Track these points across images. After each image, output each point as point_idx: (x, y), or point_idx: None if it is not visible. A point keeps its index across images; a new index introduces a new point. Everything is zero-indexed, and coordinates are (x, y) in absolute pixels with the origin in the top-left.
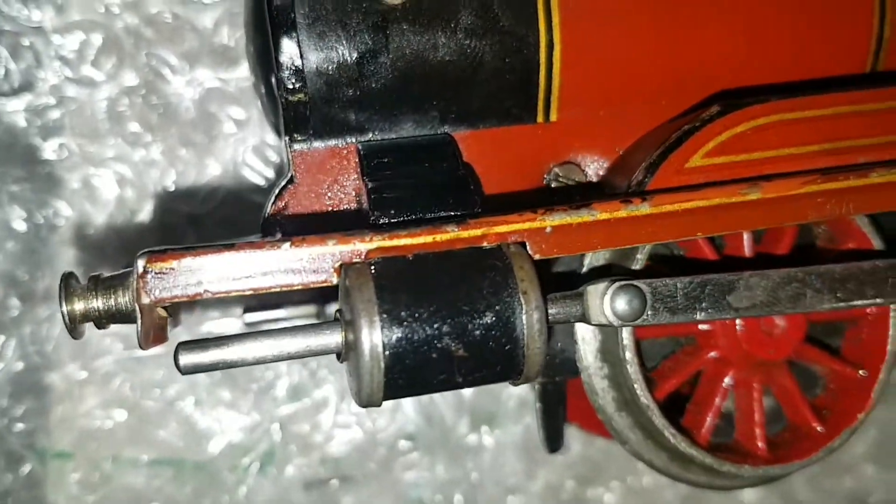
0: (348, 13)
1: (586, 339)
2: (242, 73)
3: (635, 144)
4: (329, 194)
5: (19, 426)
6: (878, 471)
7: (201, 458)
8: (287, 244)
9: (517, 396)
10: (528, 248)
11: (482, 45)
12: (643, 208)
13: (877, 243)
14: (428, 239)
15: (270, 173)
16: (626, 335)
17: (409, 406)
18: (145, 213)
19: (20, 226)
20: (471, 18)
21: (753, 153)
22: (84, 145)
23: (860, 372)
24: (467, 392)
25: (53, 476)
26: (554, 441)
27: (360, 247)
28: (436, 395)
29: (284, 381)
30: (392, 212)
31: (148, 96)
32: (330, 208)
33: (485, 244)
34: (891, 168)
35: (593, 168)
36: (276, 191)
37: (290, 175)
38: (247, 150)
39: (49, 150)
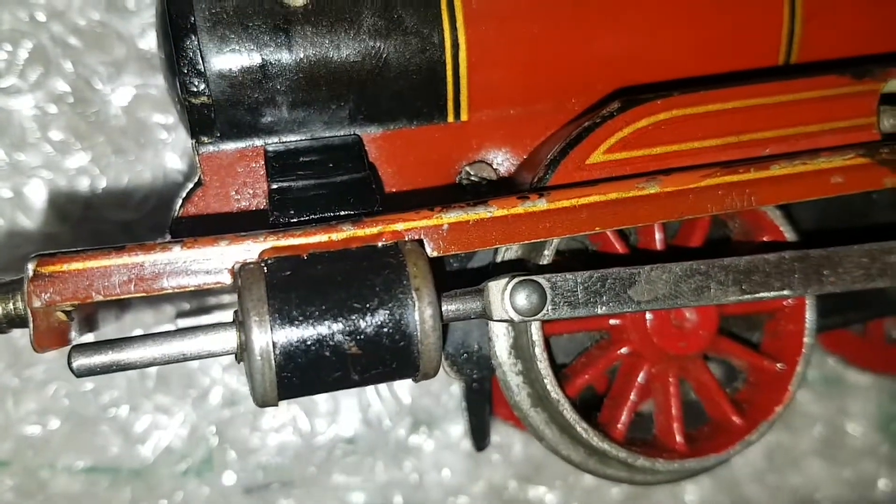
0: (249, 15)
1: (499, 336)
2: None
3: (543, 142)
4: (238, 196)
5: None
6: (825, 466)
7: (138, 465)
8: (178, 246)
9: (457, 397)
10: (425, 245)
11: (387, 45)
12: (540, 204)
13: (790, 236)
14: (323, 238)
15: None
16: (534, 331)
17: (347, 409)
18: (77, 221)
19: None
20: (374, 19)
21: (655, 148)
22: (13, 154)
23: (778, 365)
24: (406, 394)
25: None
26: (480, 439)
27: (253, 247)
28: (374, 398)
29: (220, 388)
30: (292, 212)
31: (76, 104)
32: (239, 210)
33: (381, 242)
34: (793, 160)
35: (505, 166)
36: (184, 194)
37: (198, 178)
38: (177, 155)
39: None
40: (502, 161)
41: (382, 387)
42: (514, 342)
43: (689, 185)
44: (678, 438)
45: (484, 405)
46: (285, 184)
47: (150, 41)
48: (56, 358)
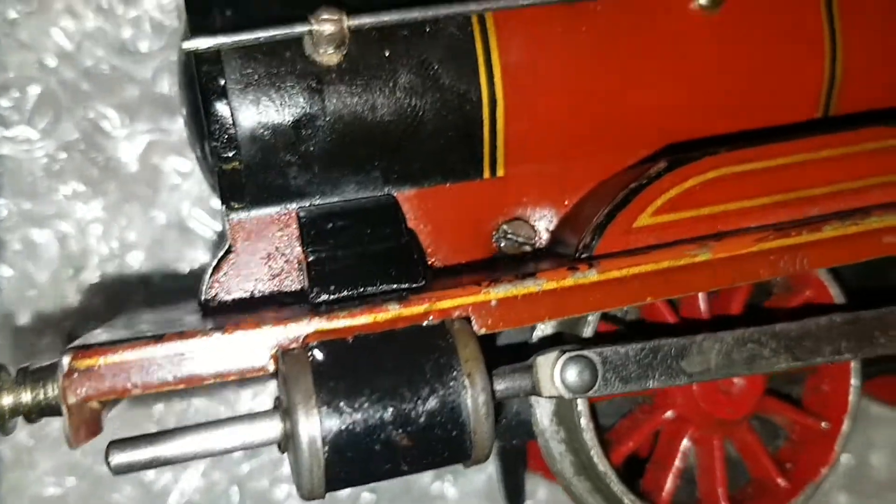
0: (281, 76)
1: (541, 403)
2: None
3: (585, 198)
4: (270, 263)
5: None
6: (852, 500)
7: None
8: (219, 332)
9: None
10: (473, 322)
11: (422, 103)
12: (590, 275)
13: (834, 292)
14: (368, 319)
15: (217, 224)
16: (580, 401)
17: None
18: (90, 271)
19: None
20: (409, 76)
21: (703, 209)
22: (23, 204)
23: (823, 424)
24: None
25: None
26: (515, 498)
27: (297, 331)
28: None
29: None
30: (332, 287)
31: (88, 151)
32: (272, 277)
33: (429, 319)
34: (844, 221)
35: (543, 223)
36: (214, 262)
37: (227, 245)
38: (192, 201)
39: None
40: (541, 216)
41: None
42: (557, 409)
43: (742, 251)
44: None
45: (518, 465)
46: (322, 254)
47: (163, 84)
48: None
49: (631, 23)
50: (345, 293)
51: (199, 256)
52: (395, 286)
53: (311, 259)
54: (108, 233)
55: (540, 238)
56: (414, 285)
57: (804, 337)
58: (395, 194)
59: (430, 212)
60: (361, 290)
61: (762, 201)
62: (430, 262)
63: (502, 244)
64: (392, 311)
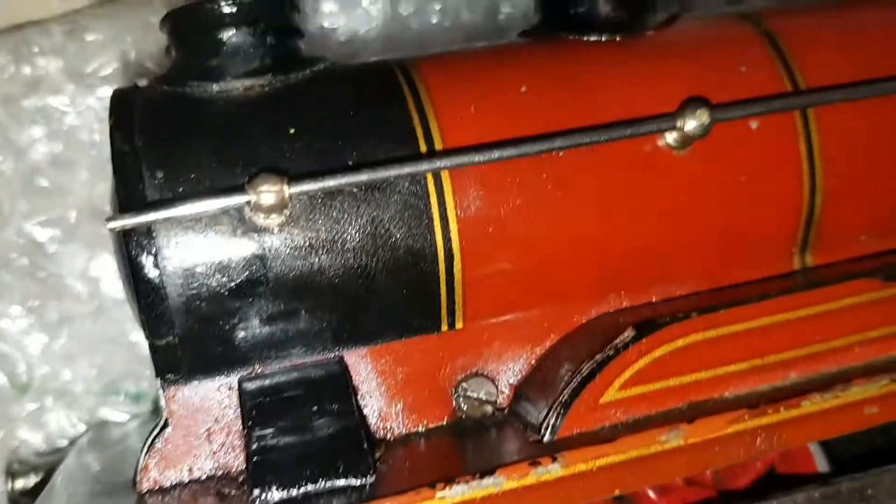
0: (219, 244)
1: None
2: None
3: (550, 353)
4: (211, 438)
5: None
6: None
7: None
8: None
9: None
10: None
11: (374, 262)
12: (553, 470)
13: (813, 448)
14: None
15: None
16: None
17: None
18: (34, 394)
19: None
20: (359, 236)
21: (673, 379)
22: None
23: None
24: None
25: None
26: None
27: None
28: None
29: None
30: (275, 486)
31: (26, 268)
32: (212, 454)
33: None
34: (824, 393)
35: (506, 375)
36: (149, 440)
37: (163, 419)
38: (134, 323)
39: None
40: (504, 368)
41: None
42: None
43: (715, 434)
44: None
45: None
46: (264, 442)
47: (104, 198)
48: None
49: (594, 167)
50: (287, 494)
51: (144, 372)
52: (342, 482)
53: (252, 448)
54: (50, 351)
55: (501, 394)
56: (362, 481)
57: None
58: (345, 353)
59: (384, 370)
60: (305, 489)
61: (736, 368)
62: (384, 427)
63: (463, 405)
64: None
